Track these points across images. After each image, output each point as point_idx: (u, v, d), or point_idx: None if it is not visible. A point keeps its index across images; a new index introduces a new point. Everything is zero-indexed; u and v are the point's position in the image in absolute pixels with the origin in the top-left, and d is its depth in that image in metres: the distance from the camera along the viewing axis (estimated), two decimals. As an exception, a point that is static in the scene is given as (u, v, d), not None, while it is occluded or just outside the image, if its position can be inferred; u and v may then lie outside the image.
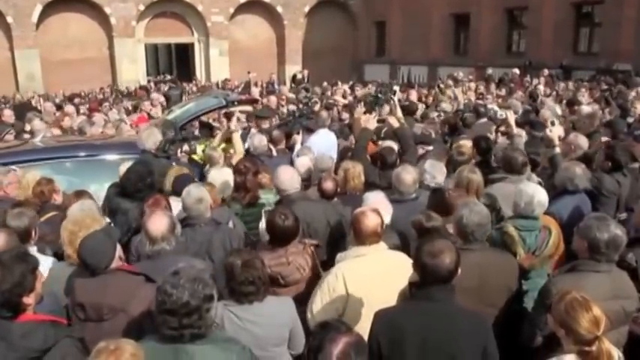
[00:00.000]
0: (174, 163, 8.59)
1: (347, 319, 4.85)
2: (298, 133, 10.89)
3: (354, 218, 5.30)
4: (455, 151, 8.77)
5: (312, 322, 5.00)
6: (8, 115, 14.54)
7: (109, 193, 7.44)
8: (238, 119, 10.18)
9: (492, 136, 10.27)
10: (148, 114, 16.11)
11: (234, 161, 8.65)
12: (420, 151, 9.31)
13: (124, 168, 7.67)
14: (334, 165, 8.70)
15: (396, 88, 17.11)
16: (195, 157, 10.01)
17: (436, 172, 7.43)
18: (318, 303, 5.09)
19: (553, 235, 5.83)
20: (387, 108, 12.32)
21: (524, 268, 5.62)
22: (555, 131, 8.34)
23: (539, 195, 5.87)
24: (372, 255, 5.16)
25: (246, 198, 7.21)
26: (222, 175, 7.54)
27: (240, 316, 4.57)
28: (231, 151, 9.50)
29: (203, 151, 9.93)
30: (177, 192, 6.76)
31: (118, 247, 4.72)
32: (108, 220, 6.06)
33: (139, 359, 3.29)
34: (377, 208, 5.48)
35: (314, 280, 5.67)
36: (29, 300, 3.81)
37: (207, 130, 11.97)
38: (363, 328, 4.55)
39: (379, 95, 12.18)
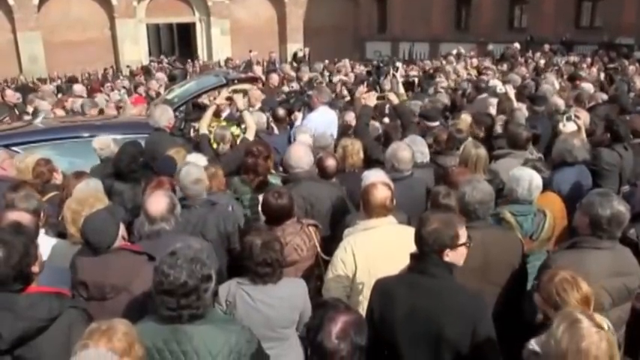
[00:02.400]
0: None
1: (354, 292, 5.00)
2: (299, 111, 10.85)
3: (363, 191, 5.33)
4: (453, 128, 8.71)
5: (326, 295, 5.07)
6: (10, 95, 14.53)
7: (94, 174, 7.37)
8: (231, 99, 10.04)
9: (493, 111, 10.25)
10: (147, 93, 16.12)
11: (249, 137, 8.59)
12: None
13: (97, 145, 7.91)
14: (334, 143, 8.59)
15: (399, 64, 17.08)
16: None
17: (422, 147, 7.46)
18: (331, 277, 5.12)
19: (548, 218, 5.81)
20: (387, 85, 12.29)
21: (524, 254, 5.60)
22: (569, 127, 8.27)
23: (536, 179, 5.84)
24: (381, 228, 5.17)
25: (255, 182, 7.06)
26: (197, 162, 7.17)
27: (253, 296, 4.58)
28: (234, 130, 9.42)
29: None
30: (158, 172, 6.78)
31: (121, 227, 4.71)
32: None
33: (131, 338, 3.27)
34: (388, 182, 5.51)
35: (314, 261, 5.72)
36: (36, 268, 3.83)
37: (198, 110, 11.91)
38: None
39: (381, 65, 12.17)
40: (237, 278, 4.73)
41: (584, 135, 8.36)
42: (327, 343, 3.10)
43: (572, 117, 8.44)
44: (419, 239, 4.01)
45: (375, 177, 5.86)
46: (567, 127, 8.24)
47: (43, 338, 3.62)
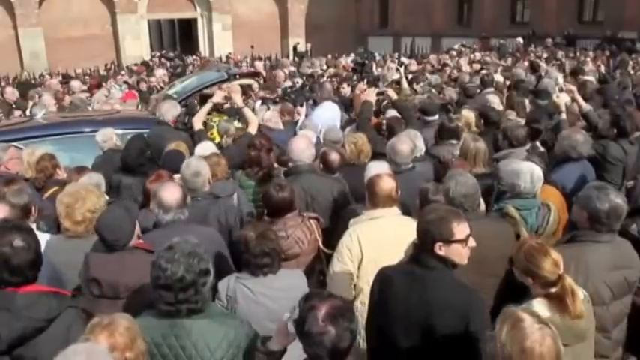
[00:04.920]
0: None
1: (360, 281, 5.05)
2: (302, 106, 10.83)
3: (369, 182, 5.36)
4: (451, 120, 8.69)
5: (331, 283, 5.12)
6: (10, 92, 14.52)
7: (97, 167, 7.48)
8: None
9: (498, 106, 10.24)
10: (148, 88, 16.16)
11: (251, 131, 8.60)
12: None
13: (100, 137, 8.05)
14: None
15: (404, 59, 17.14)
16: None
17: (418, 142, 7.41)
18: (336, 264, 5.14)
19: (553, 212, 5.73)
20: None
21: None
22: (562, 97, 8.31)
23: (536, 171, 5.78)
24: (386, 218, 5.21)
25: (259, 174, 7.06)
26: (205, 151, 7.26)
27: (253, 290, 4.59)
28: (236, 124, 9.42)
29: (205, 124, 9.86)
30: (163, 166, 6.81)
31: (137, 225, 4.68)
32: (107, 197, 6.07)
33: (133, 333, 3.28)
34: (392, 173, 5.55)
35: (315, 254, 5.72)
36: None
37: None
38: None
39: (366, 62, 12.24)
40: (236, 273, 4.75)
41: (582, 102, 8.44)
42: (315, 328, 3.10)
43: (563, 88, 8.51)
44: (417, 230, 4.09)
45: (379, 169, 5.91)
46: (561, 97, 8.26)
47: (42, 338, 3.61)
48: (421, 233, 4.04)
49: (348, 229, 5.31)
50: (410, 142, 6.91)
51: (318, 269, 5.74)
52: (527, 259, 4.05)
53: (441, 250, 3.94)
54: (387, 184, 5.22)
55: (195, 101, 11.80)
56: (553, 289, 3.98)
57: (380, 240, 5.05)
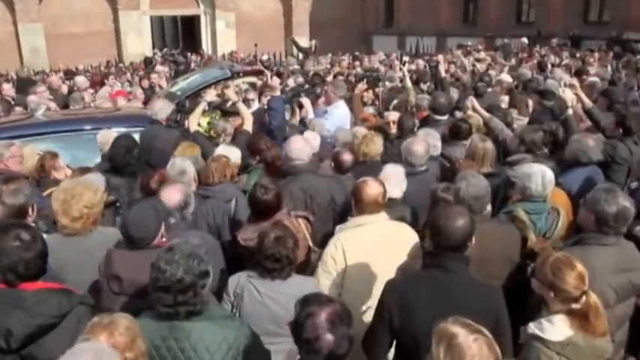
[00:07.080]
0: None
1: (346, 290, 4.99)
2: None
3: (354, 187, 5.28)
4: (461, 119, 8.65)
5: None
6: (8, 89, 14.42)
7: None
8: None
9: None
10: (150, 86, 16.14)
11: (247, 127, 8.65)
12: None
13: (100, 139, 7.99)
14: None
15: (406, 58, 17.13)
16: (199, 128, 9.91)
17: (435, 141, 7.42)
18: (321, 275, 5.08)
19: (562, 216, 5.70)
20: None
21: (537, 252, 5.45)
22: (567, 92, 8.25)
23: (548, 174, 5.73)
24: (372, 225, 5.12)
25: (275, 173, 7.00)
26: (230, 153, 7.20)
27: (260, 291, 4.57)
28: (233, 120, 9.38)
29: (208, 123, 9.83)
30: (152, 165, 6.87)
31: (163, 225, 4.64)
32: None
33: (133, 333, 3.26)
34: (379, 178, 5.47)
35: (305, 253, 5.66)
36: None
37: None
38: (361, 297, 4.81)
39: (366, 75, 12.27)
40: (248, 271, 4.72)
41: (584, 98, 8.46)
42: (314, 336, 3.08)
43: (569, 84, 8.46)
44: (444, 235, 3.95)
45: (392, 171, 5.94)
46: (566, 93, 8.20)
47: (52, 335, 3.63)
48: (453, 237, 3.93)
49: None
50: (425, 144, 6.88)
51: (312, 267, 5.62)
52: (553, 273, 3.92)
53: (468, 248, 3.97)
54: (374, 190, 5.13)
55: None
56: (575, 305, 3.88)
57: (366, 247, 5.00)
